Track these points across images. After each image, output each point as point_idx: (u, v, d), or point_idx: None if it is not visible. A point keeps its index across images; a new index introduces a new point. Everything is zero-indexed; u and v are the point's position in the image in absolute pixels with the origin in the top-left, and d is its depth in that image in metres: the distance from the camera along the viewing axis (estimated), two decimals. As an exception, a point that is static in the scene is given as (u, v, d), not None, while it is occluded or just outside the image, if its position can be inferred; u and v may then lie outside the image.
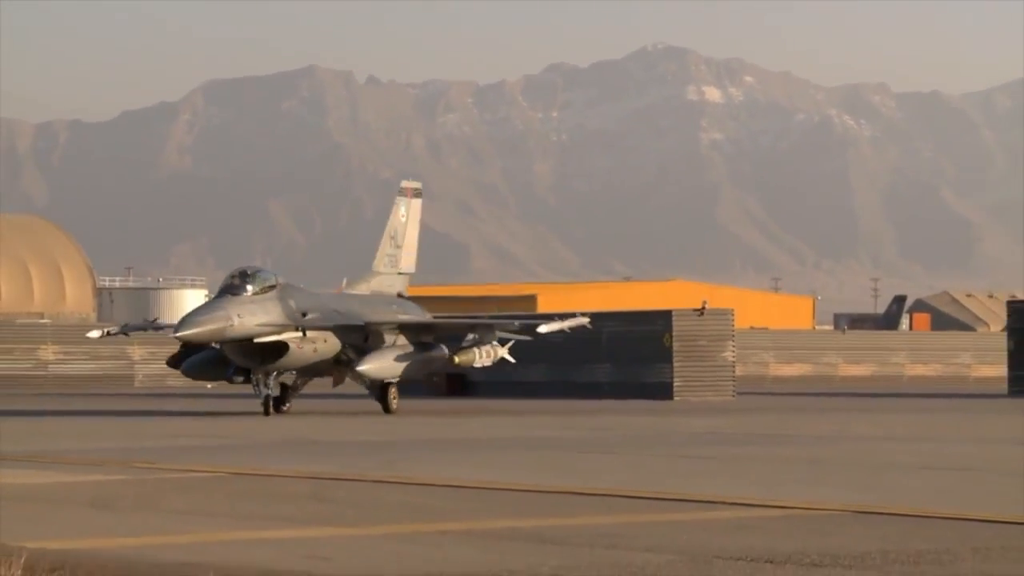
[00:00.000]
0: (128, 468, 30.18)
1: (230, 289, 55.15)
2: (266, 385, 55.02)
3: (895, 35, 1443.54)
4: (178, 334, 54.39)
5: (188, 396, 75.83)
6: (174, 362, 59.72)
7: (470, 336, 58.56)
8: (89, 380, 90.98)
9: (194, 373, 59.43)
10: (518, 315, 72.62)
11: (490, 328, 60.17)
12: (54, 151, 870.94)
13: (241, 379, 57.36)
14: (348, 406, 57.91)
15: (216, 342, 55.02)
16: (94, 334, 68.98)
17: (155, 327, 66.81)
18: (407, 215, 64.62)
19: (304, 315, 55.28)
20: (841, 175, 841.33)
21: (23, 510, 22.78)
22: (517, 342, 59.61)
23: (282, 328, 54.56)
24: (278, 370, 55.79)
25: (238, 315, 53.73)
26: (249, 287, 55.14)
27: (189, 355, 58.86)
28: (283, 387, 57.15)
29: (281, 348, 54.83)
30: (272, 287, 55.81)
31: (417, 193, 65.84)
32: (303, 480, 28.19)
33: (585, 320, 61.02)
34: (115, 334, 66.53)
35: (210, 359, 57.16)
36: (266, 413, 54.11)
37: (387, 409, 56.30)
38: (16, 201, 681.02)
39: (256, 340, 54.67)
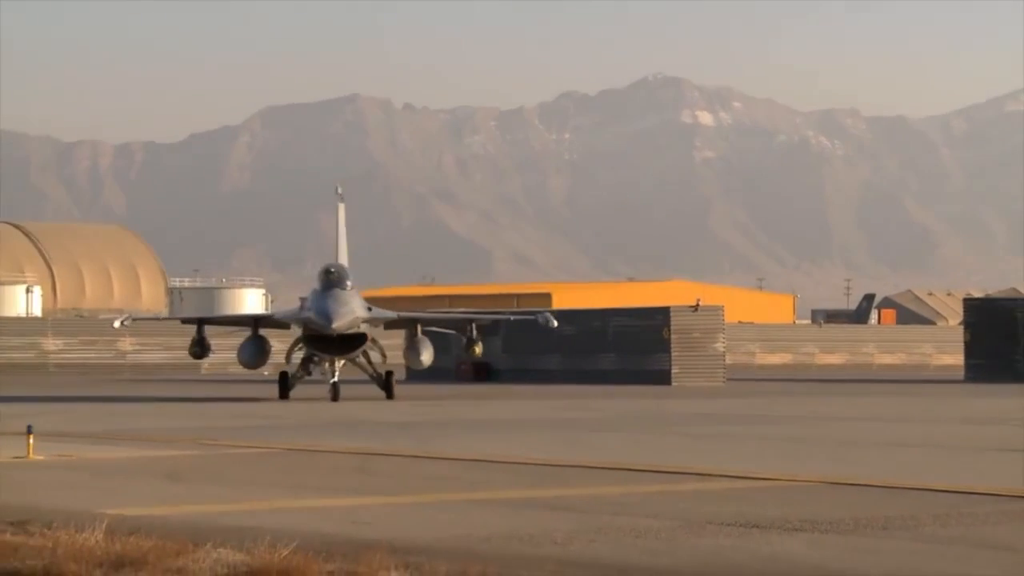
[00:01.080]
0: (196, 445, 30.21)
1: (337, 283, 52.10)
2: (333, 373, 52.48)
3: (865, 66, 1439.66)
4: (334, 325, 50.62)
5: (248, 382, 75.84)
6: (202, 352, 58.65)
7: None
8: (162, 368, 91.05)
9: (253, 362, 57.15)
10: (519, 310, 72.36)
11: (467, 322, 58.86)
12: (131, 168, 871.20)
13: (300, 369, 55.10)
14: (366, 392, 57.35)
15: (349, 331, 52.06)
16: (116, 324, 66.76)
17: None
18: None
19: (369, 309, 53.67)
20: (817, 188, 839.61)
21: (105, 481, 22.82)
22: (536, 337, 59.82)
23: (364, 320, 52.61)
24: (349, 359, 53.59)
25: (355, 308, 51.79)
26: (347, 283, 52.59)
27: (202, 347, 57.96)
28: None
29: (362, 339, 52.83)
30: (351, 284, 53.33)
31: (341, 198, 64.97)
32: (348, 455, 28.20)
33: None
34: (128, 325, 66.34)
35: (259, 349, 55.97)
36: (335, 399, 51.36)
37: (392, 395, 53.98)
38: (98, 212, 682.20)
39: (347, 331, 51.79)
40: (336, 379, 52.41)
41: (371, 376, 55.28)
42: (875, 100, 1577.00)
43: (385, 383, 54.31)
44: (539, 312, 61.82)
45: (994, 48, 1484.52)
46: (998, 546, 15.47)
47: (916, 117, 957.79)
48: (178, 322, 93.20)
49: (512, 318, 64.41)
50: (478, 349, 56.65)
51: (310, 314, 51.88)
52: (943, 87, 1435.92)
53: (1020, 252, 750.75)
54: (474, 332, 56.57)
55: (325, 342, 52.13)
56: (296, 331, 56.68)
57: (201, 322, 60.65)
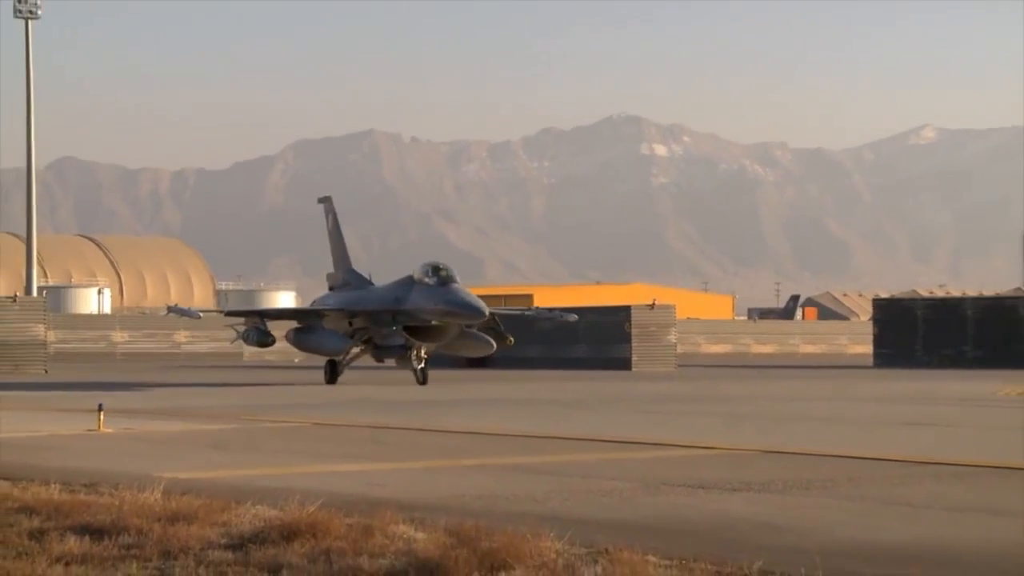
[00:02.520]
0: (238, 420, 30.18)
1: (454, 279, 48.40)
2: (419, 359, 49.44)
3: (792, 107, 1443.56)
4: (488, 313, 48.20)
5: (280, 368, 75.84)
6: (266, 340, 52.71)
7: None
8: (210, 356, 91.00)
9: (341, 348, 51.54)
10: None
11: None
12: (185, 191, 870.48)
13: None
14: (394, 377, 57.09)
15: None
16: (163, 312, 66.12)
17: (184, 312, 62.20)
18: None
19: None
20: (752, 208, 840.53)
21: (162, 450, 22.80)
22: (521, 330, 58.97)
23: None
24: (439, 346, 50.36)
25: None
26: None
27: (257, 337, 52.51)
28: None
29: (450, 329, 49.51)
30: None
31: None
32: (365, 428, 28.20)
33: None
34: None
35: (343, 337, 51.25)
36: (424, 383, 48.47)
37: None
38: (158, 228, 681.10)
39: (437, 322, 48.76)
40: (424, 365, 49.48)
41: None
42: (800, 135, 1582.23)
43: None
44: (561, 312, 60.52)
45: (898, 92, 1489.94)
46: (900, 503, 15.51)
47: (833, 149, 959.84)
48: (224, 317, 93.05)
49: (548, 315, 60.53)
50: (511, 340, 52.56)
51: (450, 306, 47.68)
52: (856, 125, 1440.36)
53: (919, 260, 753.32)
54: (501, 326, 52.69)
55: (424, 331, 49.05)
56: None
57: (310, 314, 54.72)
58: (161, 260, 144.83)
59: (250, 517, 13.26)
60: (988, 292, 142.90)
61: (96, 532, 12.54)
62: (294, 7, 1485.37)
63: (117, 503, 13.91)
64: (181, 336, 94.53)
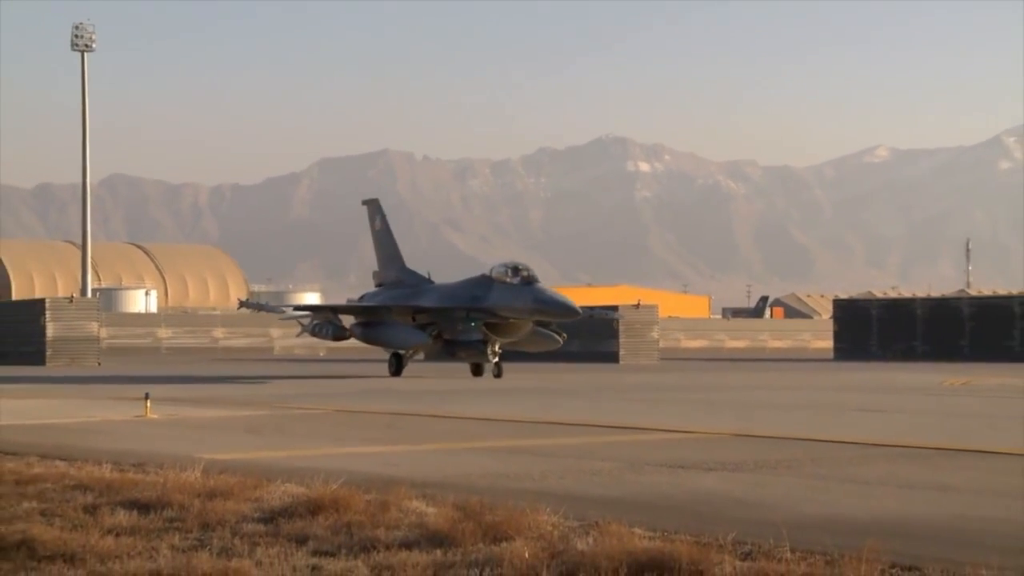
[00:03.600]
0: (269, 407, 30.17)
1: (536, 279, 46.41)
2: (494, 354, 47.13)
3: (761, 128, 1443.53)
4: (581, 312, 46.39)
5: (307, 361, 75.77)
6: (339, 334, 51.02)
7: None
8: (245, 350, 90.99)
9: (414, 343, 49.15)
10: None
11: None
12: (222, 204, 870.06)
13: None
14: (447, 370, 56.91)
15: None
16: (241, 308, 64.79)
17: (267, 308, 60.31)
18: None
19: None
20: (726, 219, 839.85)
21: (202, 434, 22.78)
22: None
23: None
24: (511, 342, 47.75)
25: None
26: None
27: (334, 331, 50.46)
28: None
29: (525, 326, 47.28)
30: None
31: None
32: (382, 415, 28.17)
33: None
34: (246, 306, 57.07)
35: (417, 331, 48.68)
36: (499, 376, 46.26)
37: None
38: (198, 237, 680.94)
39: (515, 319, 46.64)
40: (498, 359, 47.11)
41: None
42: (768, 153, 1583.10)
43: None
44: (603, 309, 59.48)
45: (855, 115, 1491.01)
46: (857, 481, 15.49)
47: (798, 166, 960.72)
48: (256, 317, 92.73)
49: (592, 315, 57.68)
50: (564, 337, 49.94)
51: (543, 304, 45.44)
52: (818, 144, 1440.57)
53: (873, 266, 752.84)
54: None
55: (503, 328, 46.70)
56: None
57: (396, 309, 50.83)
58: (201, 265, 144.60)
59: (280, 493, 13.24)
60: (935, 294, 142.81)
61: (143, 507, 12.53)
62: (318, 43, 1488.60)
63: (162, 481, 13.90)
64: (219, 332, 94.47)
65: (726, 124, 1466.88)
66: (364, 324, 50.84)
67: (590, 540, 10.65)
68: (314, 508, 12.09)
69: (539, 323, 48.09)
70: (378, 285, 55.52)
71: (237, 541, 11.01)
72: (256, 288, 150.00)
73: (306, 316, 54.97)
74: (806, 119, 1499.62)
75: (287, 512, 12.13)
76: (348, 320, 52.75)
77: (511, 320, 46.85)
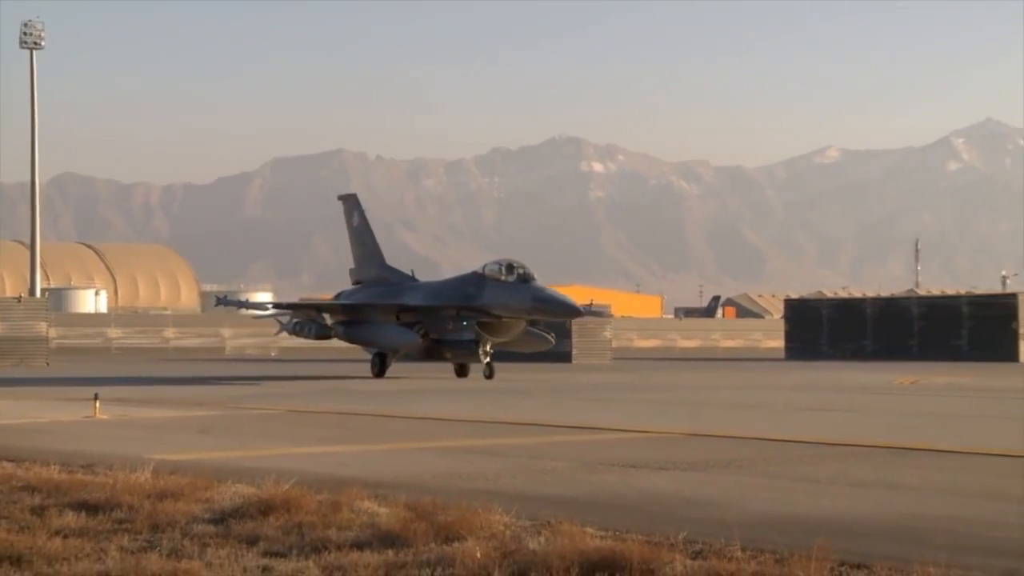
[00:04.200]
0: (221, 407, 30.00)
1: (533, 278, 44.62)
2: (485, 354, 45.55)
3: (713, 129, 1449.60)
4: (583, 311, 45.37)
5: (259, 361, 75.42)
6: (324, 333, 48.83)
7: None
8: (196, 350, 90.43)
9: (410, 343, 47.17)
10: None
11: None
12: (174, 203, 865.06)
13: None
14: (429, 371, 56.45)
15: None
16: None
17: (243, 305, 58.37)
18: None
19: None
20: (679, 219, 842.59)
21: (152, 434, 22.61)
22: None
23: None
24: (503, 342, 46.20)
25: None
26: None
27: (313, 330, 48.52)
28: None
29: (518, 325, 45.83)
30: None
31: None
32: (334, 415, 28.07)
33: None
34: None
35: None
36: (490, 377, 44.65)
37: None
38: (149, 237, 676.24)
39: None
40: (490, 359, 45.50)
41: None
42: (720, 154, 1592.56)
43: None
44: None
45: (806, 117, 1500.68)
46: (808, 480, 15.57)
47: (750, 167, 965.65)
48: (208, 317, 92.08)
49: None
50: (553, 338, 49.35)
51: (543, 304, 43.78)
52: (769, 146, 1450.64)
53: (824, 266, 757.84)
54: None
55: (495, 327, 45.22)
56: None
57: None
58: (152, 265, 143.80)
59: (231, 494, 13.17)
60: (885, 294, 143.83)
61: (91, 508, 12.42)
62: (267, 41, 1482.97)
63: (111, 482, 13.79)
64: (170, 332, 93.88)
65: (679, 124, 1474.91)
66: (348, 323, 49.01)
67: (542, 539, 10.64)
68: (265, 509, 12.03)
69: (530, 322, 46.90)
70: (355, 283, 53.66)
71: (187, 542, 10.94)
72: (208, 287, 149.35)
73: (285, 314, 52.88)
74: (758, 120, 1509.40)
75: (238, 513, 12.06)
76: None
77: (504, 319, 45.34)
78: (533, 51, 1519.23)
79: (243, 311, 63.19)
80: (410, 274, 53.04)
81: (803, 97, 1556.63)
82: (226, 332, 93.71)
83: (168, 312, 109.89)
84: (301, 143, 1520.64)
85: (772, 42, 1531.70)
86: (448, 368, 49.54)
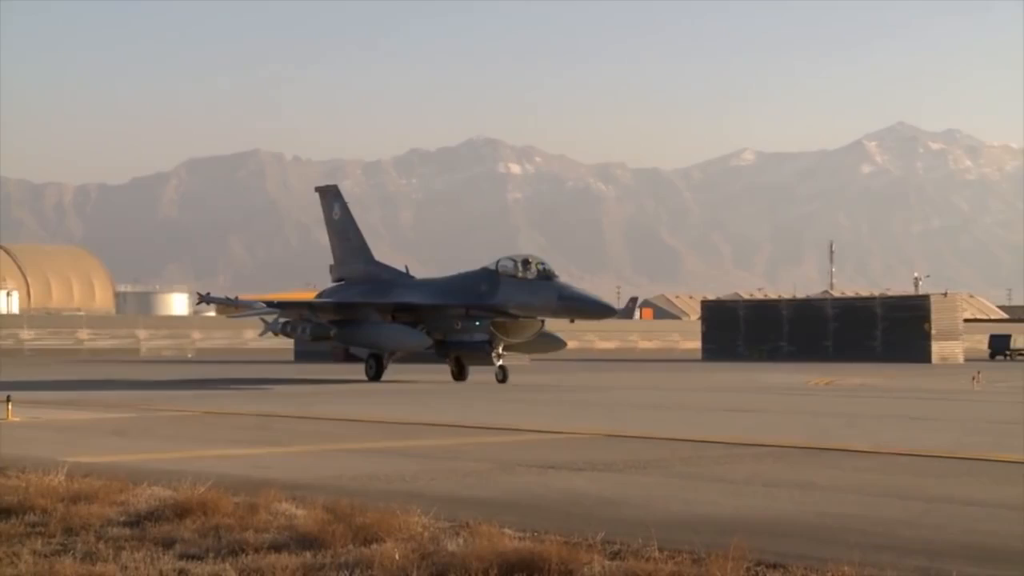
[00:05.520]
0: (135, 409, 29.67)
1: (555, 273, 42.42)
2: (498, 356, 43.30)
3: (630, 133, 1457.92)
4: (617, 310, 42.66)
5: (177, 362, 74.69)
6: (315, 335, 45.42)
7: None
8: (110, 352, 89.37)
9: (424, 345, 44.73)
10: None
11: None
12: (88, 203, 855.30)
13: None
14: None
15: None
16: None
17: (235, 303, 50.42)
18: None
19: None
20: (596, 221, 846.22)
21: (66, 436, 22.32)
22: None
23: None
24: (519, 344, 43.90)
25: None
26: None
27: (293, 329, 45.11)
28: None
29: (533, 326, 43.52)
30: None
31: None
32: (252, 416, 27.87)
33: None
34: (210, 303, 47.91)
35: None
36: (503, 380, 42.37)
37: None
38: (62, 236, 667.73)
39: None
40: (503, 362, 43.13)
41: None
42: (637, 156, 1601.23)
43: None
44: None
45: (722, 119, 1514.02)
46: (724, 480, 15.69)
47: (667, 169, 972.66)
48: (123, 318, 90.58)
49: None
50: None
51: (574, 303, 41.03)
52: (686, 147, 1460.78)
53: (740, 267, 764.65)
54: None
55: (511, 328, 42.72)
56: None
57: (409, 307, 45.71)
58: (65, 266, 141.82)
59: (146, 497, 13.03)
60: (800, 295, 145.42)
61: (3, 512, 12.24)
62: (187, 41, 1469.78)
63: (23, 485, 13.59)
64: (84, 334, 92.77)
65: (596, 127, 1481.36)
66: (343, 323, 45.47)
67: (460, 541, 10.65)
68: (181, 511, 11.92)
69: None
70: (337, 280, 50.13)
71: (102, 545, 10.82)
72: (123, 288, 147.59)
73: (271, 314, 48.44)
74: (674, 122, 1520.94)
75: (154, 515, 11.95)
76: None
77: (521, 319, 42.50)
78: (452, 52, 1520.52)
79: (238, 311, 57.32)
80: (404, 270, 50.08)
81: (718, 100, 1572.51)
82: (141, 333, 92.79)
83: (82, 313, 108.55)
84: (217, 143, 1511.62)
85: (688, 46, 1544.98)
86: (437, 369, 46.83)
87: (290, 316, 46.88)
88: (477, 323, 43.02)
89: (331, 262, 51.08)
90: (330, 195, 52.46)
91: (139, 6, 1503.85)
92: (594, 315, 42.48)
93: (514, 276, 42.17)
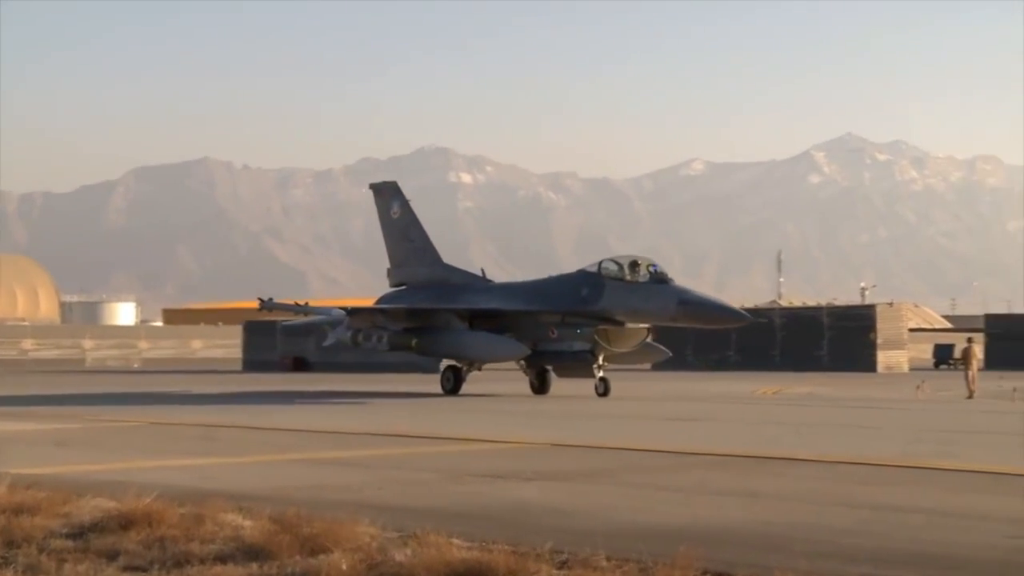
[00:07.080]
0: (79, 419, 29.41)
1: (669, 276, 38.91)
2: (599, 367, 39.81)
3: (580, 141, 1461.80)
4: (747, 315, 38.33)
5: (123, 373, 74.10)
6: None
7: None
8: (55, 362, 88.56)
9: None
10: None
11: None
12: (33, 211, 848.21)
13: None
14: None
15: None
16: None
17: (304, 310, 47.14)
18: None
19: None
20: (547, 230, 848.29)
21: (8, 448, 22.08)
22: None
23: None
24: (620, 354, 40.11)
25: None
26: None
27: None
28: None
29: (639, 334, 39.96)
30: None
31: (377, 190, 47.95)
32: (197, 427, 27.68)
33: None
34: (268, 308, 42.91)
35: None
36: (605, 394, 39.21)
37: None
38: (6, 246, 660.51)
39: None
40: (604, 373, 39.66)
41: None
42: (588, 166, 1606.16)
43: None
44: None
45: (672, 130, 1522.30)
46: (673, 489, 15.75)
47: (617, 179, 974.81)
48: (68, 328, 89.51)
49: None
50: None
51: (701, 309, 37.29)
52: (636, 158, 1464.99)
53: (690, 276, 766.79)
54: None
55: (613, 336, 39.21)
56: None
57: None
58: (9, 275, 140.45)
59: (90, 508, 12.91)
60: (748, 304, 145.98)
61: (-55, 524, 12.07)
62: (133, 47, 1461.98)
63: (-35, 497, 13.41)
64: (28, 344, 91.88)
65: (547, 136, 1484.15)
66: (421, 330, 41.46)
67: (408, 551, 10.61)
68: (126, 523, 11.81)
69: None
70: (396, 285, 46.27)
71: (44, 558, 10.70)
72: (69, 298, 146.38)
73: (328, 322, 45.08)
74: (625, 132, 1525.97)
75: (97, 527, 11.83)
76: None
77: (628, 327, 38.99)
78: (400, 60, 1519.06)
79: (298, 316, 54.41)
80: (480, 273, 46.19)
81: (669, 110, 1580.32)
82: (87, 344, 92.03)
83: (26, 323, 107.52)
84: (165, 151, 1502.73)
85: (638, 55, 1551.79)
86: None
87: (361, 324, 42.54)
88: (578, 331, 39.55)
89: (388, 266, 47.39)
90: (387, 192, 48.20)
91: (88, 10, 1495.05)
92: (722, 322, 38.09)
93: (621, 279, 38.62)
